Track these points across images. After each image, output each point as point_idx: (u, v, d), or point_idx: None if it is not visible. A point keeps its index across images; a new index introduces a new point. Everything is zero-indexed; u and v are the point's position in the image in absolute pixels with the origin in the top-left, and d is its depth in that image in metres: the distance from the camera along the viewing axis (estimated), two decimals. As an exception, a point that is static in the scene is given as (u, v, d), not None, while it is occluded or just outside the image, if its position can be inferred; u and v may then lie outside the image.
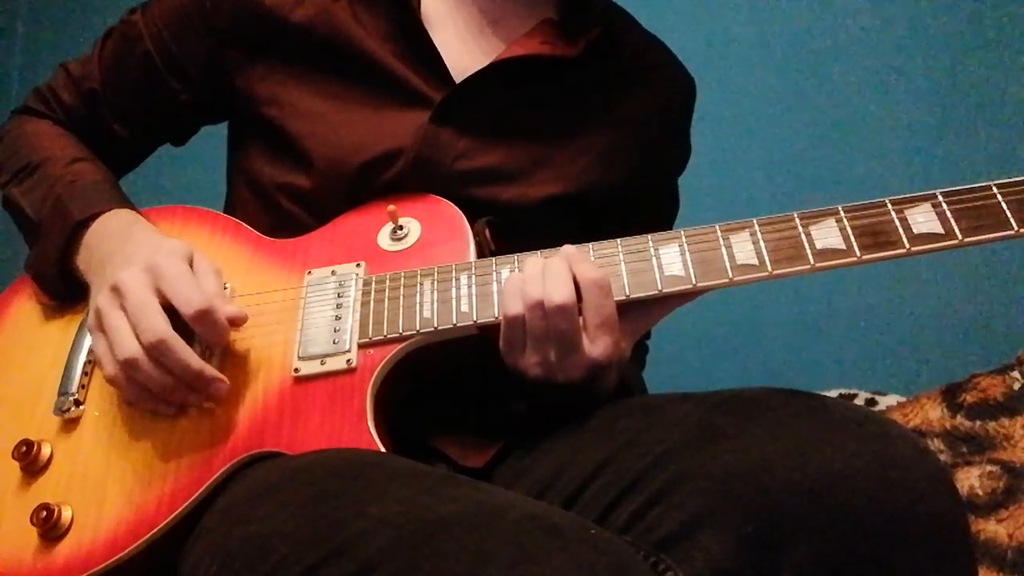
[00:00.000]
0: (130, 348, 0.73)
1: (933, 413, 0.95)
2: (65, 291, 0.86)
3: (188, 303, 0.74)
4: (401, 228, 0.84)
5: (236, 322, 0.77)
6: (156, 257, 0.76)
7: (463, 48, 0.92)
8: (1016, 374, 0.92)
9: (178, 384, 0.74)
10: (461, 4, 0.94)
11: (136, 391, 0.75)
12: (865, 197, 0.74)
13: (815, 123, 1.76)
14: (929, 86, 1.69)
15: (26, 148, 0.93)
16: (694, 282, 0.74)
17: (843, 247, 0.72)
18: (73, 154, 0.92)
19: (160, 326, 0.73)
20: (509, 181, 0.88)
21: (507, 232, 0.85)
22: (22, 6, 2.50)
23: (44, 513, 0.72)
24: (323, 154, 0.86)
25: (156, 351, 0.72)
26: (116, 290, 0.75)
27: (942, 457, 0.89)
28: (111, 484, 0.75)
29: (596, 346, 0.74)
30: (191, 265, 0.78)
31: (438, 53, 0.89)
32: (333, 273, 0.82)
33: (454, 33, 0.93)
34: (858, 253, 0.71)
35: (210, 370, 0.75)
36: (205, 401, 0.76)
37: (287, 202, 0.89)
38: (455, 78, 0.89)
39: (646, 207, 0.99)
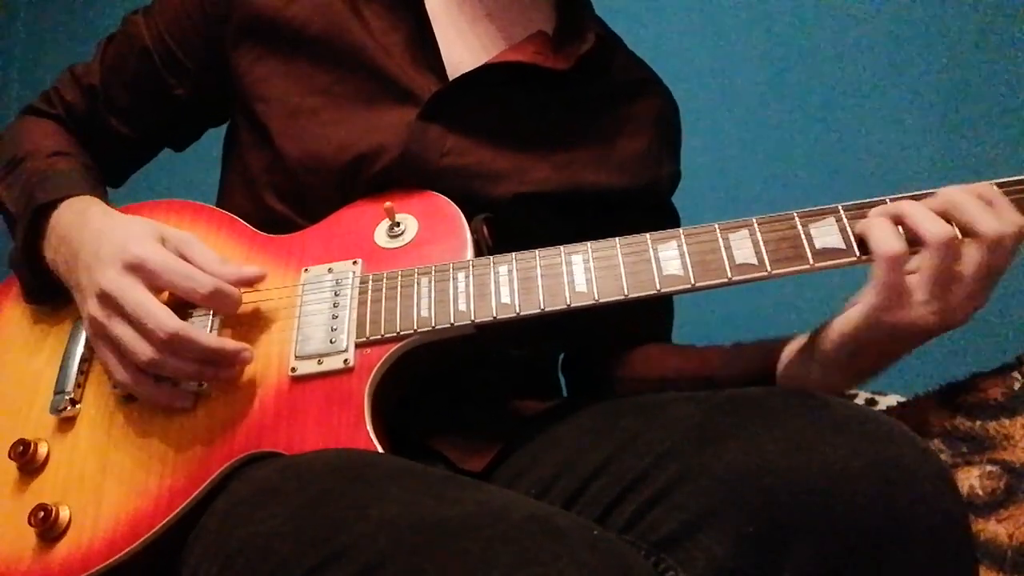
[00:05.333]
0: (145, 352, 0.73)
1: (933, 413, 0.95)
2: (39, 287, 0.85)
3: (193, 291, 0.74)
4: (398, 225, 0.83)
5: (251, 282, 0.79)
6: (129, 250, 0.74)
7: (461, 46, 0.92)
8: (1016, 374, 0.91)
9: (203, 367, 0.74)
10: (463, 3, 0.94)
11: (149, 391, 0.75)
12: (864, 197, 0.74)
13: (815, 123, 1.76)
14: (929, 86, 1.69)
15: (15, 144, 0.93)
16: (693, 282, 0.73)
17: (843, 247, 0.71)
18: (55, 148, 0.92)
19: (166, 321, 0.72)
20: (497, 178, 0.88)
21: (499, 230, 0.84)
22: (22, 6, 2.51)
23: (42, 513, 0.72)
24: (312, 151, 0.86)
25: (172, 346, 0.72)
26: (105, 297, 0.74)
27: (942, 457, 0.89)
28: (109, 483, 0.75)
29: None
30: (163, 244, 0.77)
31: (438, 48, 0.89)
32: (330, 271, 0.82)
33: (454, 30, 0.93)
34: (857, 253, 0.71)
35: (230, 343, 0.75)
36: (233, 374, 0.76)
37: (276, 200, 0.89)
38: (449, 75, 0.89)
39: (641, 217, 0.98)
